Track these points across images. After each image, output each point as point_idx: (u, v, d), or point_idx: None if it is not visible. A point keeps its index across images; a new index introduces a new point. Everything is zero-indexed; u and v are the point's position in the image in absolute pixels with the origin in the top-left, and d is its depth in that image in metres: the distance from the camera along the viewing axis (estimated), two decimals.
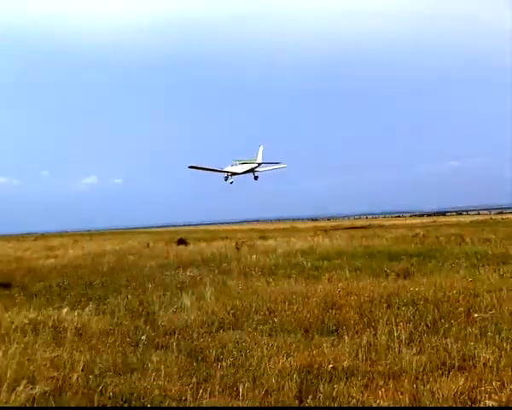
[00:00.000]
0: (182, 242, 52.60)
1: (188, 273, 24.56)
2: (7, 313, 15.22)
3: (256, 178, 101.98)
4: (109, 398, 9.16)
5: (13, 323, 14.23)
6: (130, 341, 12.92)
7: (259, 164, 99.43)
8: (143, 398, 9.21)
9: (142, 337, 13.04)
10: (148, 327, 14.28)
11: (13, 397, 8.69)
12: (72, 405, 8.84)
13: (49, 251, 50.44)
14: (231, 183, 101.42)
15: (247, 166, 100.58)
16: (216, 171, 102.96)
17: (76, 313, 15.30)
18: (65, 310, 15.55)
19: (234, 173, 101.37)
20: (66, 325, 14.05)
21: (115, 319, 15.07)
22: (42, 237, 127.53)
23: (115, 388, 9.58)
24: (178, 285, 21.08)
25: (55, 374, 10.19)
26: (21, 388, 9.00)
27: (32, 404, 8.77)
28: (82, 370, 10.34)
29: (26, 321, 14.40)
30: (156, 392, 9.37)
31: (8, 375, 9.61)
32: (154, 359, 11.28)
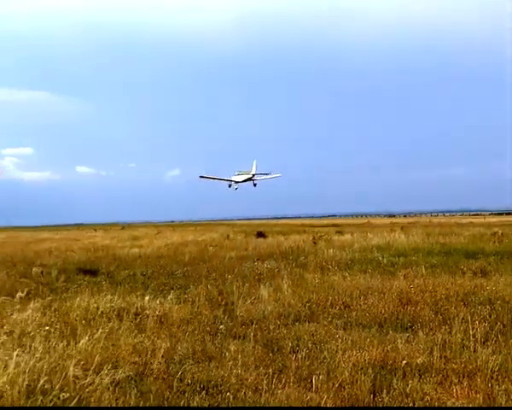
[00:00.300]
0: (261, 234, 52.78)
1: (266, 265, 24.65)
2: (93, 299, 15.61)
3: (255, 185, 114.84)
4: (188, 385, 9.33)
5: (98, 309, 14.62)
6: (208, 330, 13.11)
7: (253, 175, 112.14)
8: (220, 386, 9.33)
9: (221, 327, 13.24)
10: (226, 317, 14.43)
11: (97, 380, 8.95)
12: (153, 389, 9.03)
13: (133, 241, 51.63)
14: (236, 189, 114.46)
15: (245, 177, 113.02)
16: (222, 180, 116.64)
17: (158, 302, 15.57)
18: (147, 298, 15.86)
19: (236, 182, 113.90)
20: (148, 313, 14.35)
21: (195, 309, 15.30)
22: (127, 226, 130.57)
23: (194, 375, 9.76)
24: (256, 277, 21.17)
25: (137, 359, 10.48)
26: (106, 371, 9.28)
27: (114, 387, 9.02)
28: (162, 356, 10.55)
29: (111, 307, 14.77)
30: (233, 380, 9.49)
31: (95, 358, 9.91)
32: (232, 348, 11.41)
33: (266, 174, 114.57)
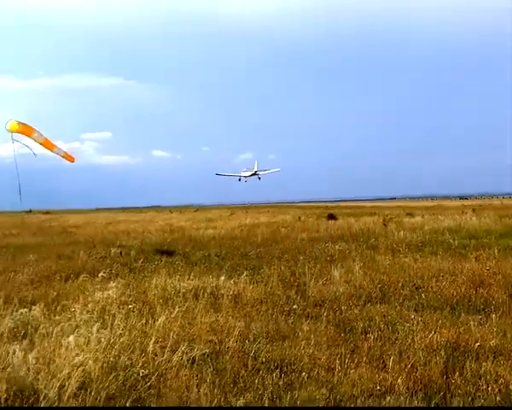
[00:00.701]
0: (331, 217, 52.51)
1: (337, 247, 24.46)
2: (170, 279, 15.83)
3: (259, 178, 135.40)
4: (262, 363, 9.37)
5: (175, 288, 14.83)
6: (281, 310, 13.09)
7: (256, 171, 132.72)
8: (293, 365, 9.33)
9: (294, 307, 13.21)
10: (298, 297, 14.41)
11: (175, 357, 9.09)
12: (228, 367, 9.10)
13: (208, 222, 52.17)
14: (245, 181, 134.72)
15: (250, 173, 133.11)
16: (235, 175, 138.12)
17: (232, 282, 15.66)
18: (222, 278, 15.98)
19: (245, 177, 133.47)
20: (223, 293, 14.47)
21: (268, 289, 15.33)
22: (201, 208, 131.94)
23: (267, 354, 9.79)
24: (328, 258, 21.07)
25: (213, 338, 10.57)
26: (183, 349, 9.40)
27: (191, 364, 9.14)
28: (237, 335, 10.61)
29: (188, 287, 14.95)
30: (306, 360, 9.47)
31: (172, 336, 10.07)
32: (305, 328, 11.39)
33: (265, 170, 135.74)
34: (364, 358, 9.61)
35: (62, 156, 39.78)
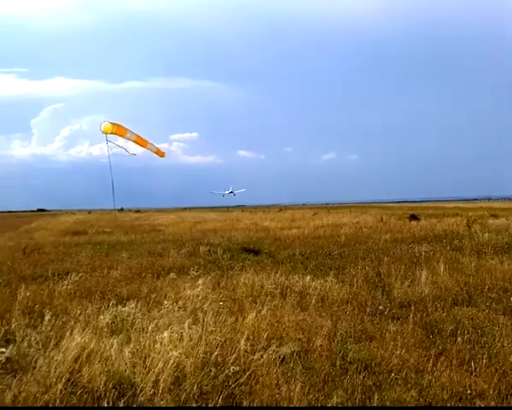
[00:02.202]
0: (414, 217, 51.47)
1: (420, 248, 23.88)
2: (257, 278, 15.88)
3: (234, 195, 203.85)
4: (350, 363, 9.23)
5: (263, 287, 14.86)
6: (367, 310, 12.87)
7: (231, 191, 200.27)
8: (381, 365, 9.15)
9: (380, 307, 13.00)
10: (384, 298, 14.16)
11: (265, 356, 9.07)
12: (317, 366, 9.02)
13: (291, 222, 52.18)
14: (223, 196, 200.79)
15: (228, 191, 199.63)
16: (221, 193, 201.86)
17: (318, 281, 15.56)
18: (308, 277, 15.92)
19: (223, 194, 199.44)
20: (309, 292, 14.39)
21: (353, 289, 15.14)
22: (284, 208, 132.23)
23: (355, 354, 9.61)
24: (412, 259, 20.63)
25: (301, 336, 10.48)
26: (273, 347, 9.39)
27: (280, 362, 9.10)
28: (325, 334, 10.51)
29: (274, 286, 14.96)
30: (394, 361, 9.25)
31: (261, 334, 10.08)
32: (391, 329, 11.15)
33: (238, 190, 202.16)
34: (453, 361, 9.34)
35: (155, 152, 40.82)
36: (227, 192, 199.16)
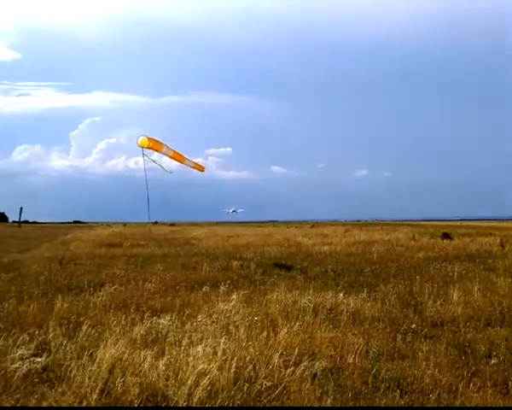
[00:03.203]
0: (446, 236, 50.81)
1: (453, 267, 23.57)
2: (290, 294, 15.84)
3: (236, 213, 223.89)
4: (382, 381, 9.13)
5: (295, 302, 14.80)
6: (399, 328, 12.73)
7: (234, 210, 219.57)
8: (413, 384, 9.04)
9: (412, 326, 12.85)
10: (416, 317, 13.98)
11: (297, 372, 9.02)
12: (349, 384, 8.94)
13: (323, 238, 51.98)
14: (227, 213, 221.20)
15: (231, 210, 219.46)
16: (226, 210, 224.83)
17: (350, 298, 15.46)
18: (340, 294, 15.83)
19: (229, 212, 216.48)
20: (341, 309, 14.28)
21: (386, 306, 15.00)
22: (316, 224, 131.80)
23: (387, 372, 9.52)
24: (444, 278, 20.36)
25: (333, 353, 10.41)
26: (305, 363, 9.33)
27: (312, 379, 9.04)
28: (356, 352, 10.42)
29: (307, 302, 14.88)
30: (427, 380, 9.13)
31: (294, 350, 10.03)
32: (424, 348, 11.02)
33: (240, 210, 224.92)
34: (487, 382, 9.18)
35: (193, 167, 40.90)
36: (230, 211, 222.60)
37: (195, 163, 41.91)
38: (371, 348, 10.82)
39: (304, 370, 9.11)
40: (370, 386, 8.93)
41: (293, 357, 9.66)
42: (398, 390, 8.75)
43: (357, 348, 10.60)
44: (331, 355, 10.24)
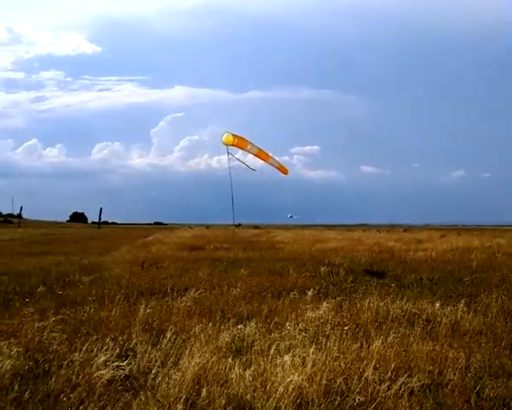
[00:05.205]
0: None
1: None
2: (382, 302, 15.58)
3: (292, 217, 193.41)
4: (486, 400, 8.81)
5: (389, 312, 14.55)
6: (504, 343, 12.24)
7: (291, 216, 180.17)
8: None
9: None
10: None
11: (393, 387, 8.81)
12: (449, 402, 8.67)
13: (417, 244, 50.90)
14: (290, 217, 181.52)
15: (289, 216, 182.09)
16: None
17: (448, 309, 15.05)
18: (437, 304, 15.45)
19: (289, 217, 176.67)
20: (439, 320, 13.91)
21: (488, 319, 14.49)
22: (409, 228, 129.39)
23: (491, 390, 9.16)
24: None
25: (431, 368, 10.13)
26: (401, 378, 9.09)
27: (409, 396, 8.81)
28: (457, 368, 10.10)
29: (401, 312, 14.60)
30: None
31: (388, 363, 9.83)
32: None
33: (295, 216, 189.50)
34: None
35: (276, 167, 40.88)
36: (289, 216, 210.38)
37: (279, 164, 41.81)
38: (473, 364, 10.47)
39: (400, 385, 8.89)
40: (473, 405, 8.63)
41: (388, 371, 9.47)
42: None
43: (458, 364, 10.27)
44: (429, 371, 9.95)
